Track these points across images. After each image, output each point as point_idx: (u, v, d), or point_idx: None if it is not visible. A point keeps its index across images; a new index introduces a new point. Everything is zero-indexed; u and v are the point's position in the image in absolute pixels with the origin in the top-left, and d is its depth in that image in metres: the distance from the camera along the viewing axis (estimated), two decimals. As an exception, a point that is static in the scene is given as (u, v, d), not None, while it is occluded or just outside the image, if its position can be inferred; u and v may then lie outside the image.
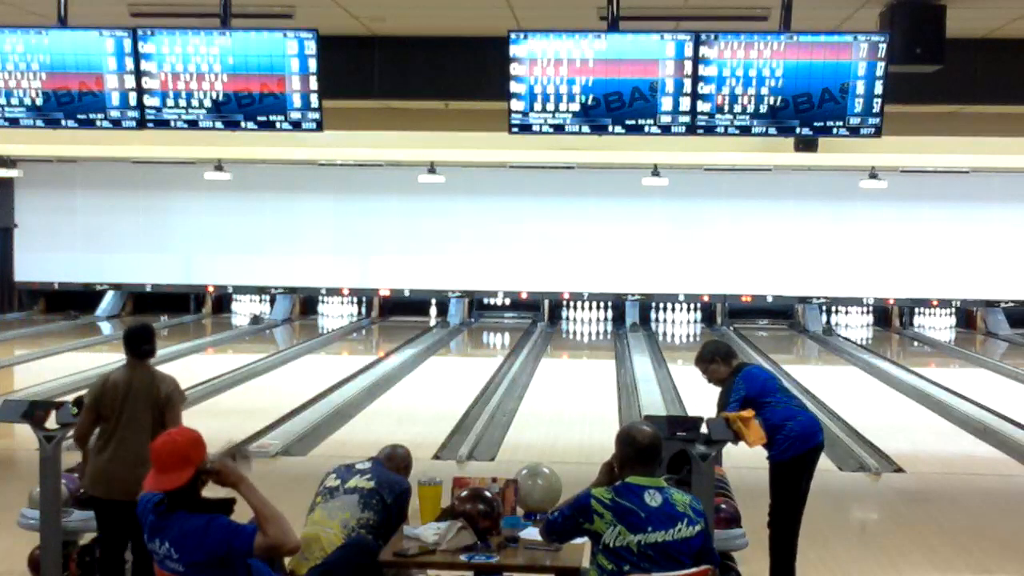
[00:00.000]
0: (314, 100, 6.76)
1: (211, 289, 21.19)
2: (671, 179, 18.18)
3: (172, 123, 6.88)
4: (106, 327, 20.13)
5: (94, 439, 5.70)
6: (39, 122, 6.95)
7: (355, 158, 18.37)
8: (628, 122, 6.63)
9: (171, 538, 4.06)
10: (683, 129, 6.63)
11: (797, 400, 6.17)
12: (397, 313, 21.38)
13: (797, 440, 5.79)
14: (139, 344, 5.74)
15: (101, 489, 5.58)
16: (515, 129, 6.76)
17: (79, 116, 6.90)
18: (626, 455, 4.25)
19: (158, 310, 21.25)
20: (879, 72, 6.49)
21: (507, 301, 21.04)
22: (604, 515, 4.11)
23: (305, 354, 16.72)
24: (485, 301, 21.22)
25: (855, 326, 20.79)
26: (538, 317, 20.85)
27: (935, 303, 20.54)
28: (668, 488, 4.24)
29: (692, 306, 20.95)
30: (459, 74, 8.83)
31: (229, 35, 6.71)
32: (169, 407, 5.65)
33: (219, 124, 6.85)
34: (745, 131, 6.63)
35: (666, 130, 6.64)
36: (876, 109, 6.55)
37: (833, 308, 20.95)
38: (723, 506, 5.61)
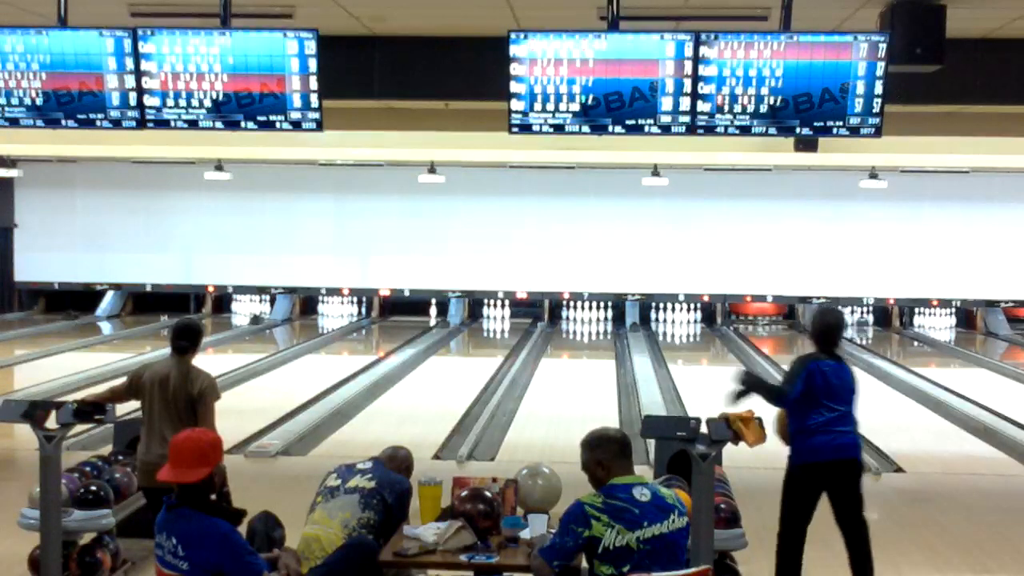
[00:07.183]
0: (314, 100, 6.77)
1: (211, 289, 21.19)
2: (671, 179, 18.17)
3: (172, 123, 6.89)
4: (106, 327, 20.14)
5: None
6: (39, 122, 6.96)
7: (355, 158, 18.36)
8: (628, 122, 6.63)
9: (178, 533, 4.07)
10: (683, 129, 6.64)
11: (840, 420, 5.75)
12: (397, 313, 21.38)
13: (805, 452, 5.74)
14: (175, 338, 5.96)
15: (145, 479, 5.82)
16: (515, 129, 6.76)
17: (79, 116, 6.91)
18: (611, 452, 4.30)
19: (158, 310, 21.25)
20: (879, 72, 6.49)
21: (507, 301, 21.06)
22: (601, 517, 4.12)
23: (305, 354, 16.71)
24: (485, 301, 21.24)
25: (855, 326, 20.78)
26: (538, 317, 20.86)
27: (935, 303, 20.54)
28: (652, 483, 4.33)
29: (692, 306, 20.95)
30: (459, 74, 8.82)
31: (229, 35, 6.71)
32: (201, 404, 5.82)
33: (219, 124, 6.86)
34: (745, 131, 6.64)
35: (666, 130, 6.65)
36: (876, 109, 6.55)
37: (833, 308, 20.91)
38: (723, 506, 5.60)
